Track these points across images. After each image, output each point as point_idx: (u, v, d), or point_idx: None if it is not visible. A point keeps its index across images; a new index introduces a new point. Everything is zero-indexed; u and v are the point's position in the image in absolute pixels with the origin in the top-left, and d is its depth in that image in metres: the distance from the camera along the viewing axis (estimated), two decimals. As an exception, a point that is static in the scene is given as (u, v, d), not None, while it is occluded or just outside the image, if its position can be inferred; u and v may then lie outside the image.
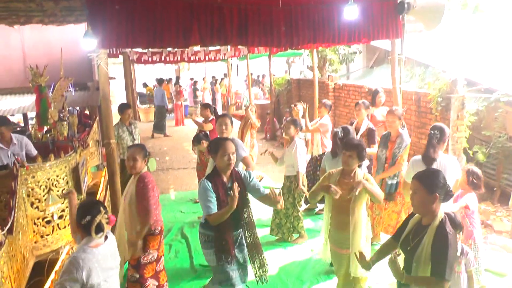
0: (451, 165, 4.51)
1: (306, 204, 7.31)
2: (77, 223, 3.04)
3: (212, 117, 8.10)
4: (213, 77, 23.49)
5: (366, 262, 3.43)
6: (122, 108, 7.67)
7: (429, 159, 4.54)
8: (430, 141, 4.59)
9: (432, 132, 4.62)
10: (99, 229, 2.98)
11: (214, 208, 3.74)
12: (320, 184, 4.22)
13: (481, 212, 6.93)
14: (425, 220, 3.03)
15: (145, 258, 4.35)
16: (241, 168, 5.41)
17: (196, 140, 7.26)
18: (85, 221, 2.95)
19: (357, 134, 6.91)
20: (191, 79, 23.71)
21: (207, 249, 3.97)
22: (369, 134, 6.60)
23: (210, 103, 21.29)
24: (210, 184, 3.81)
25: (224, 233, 3.84)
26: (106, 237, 3.13)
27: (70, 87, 7.12)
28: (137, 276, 4.36)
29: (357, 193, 3.91)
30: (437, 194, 2.93)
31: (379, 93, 7.35)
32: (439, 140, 4.55)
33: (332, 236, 4.26)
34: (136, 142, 7.43)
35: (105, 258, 3.02)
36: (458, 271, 3.74)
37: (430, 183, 2.96)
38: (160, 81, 18.30)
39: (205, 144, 6.93)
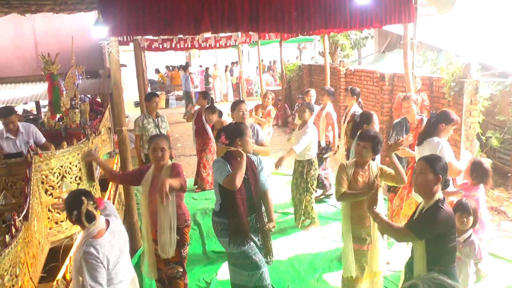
0: (433, 148, 4.43)
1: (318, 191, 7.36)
2: (70, 221, 3.08)
3: (207, 105, 8.03)
4: (232, 62, 23.48)
5: (374, 212, 3.47)
6: (149, 96, 7.30)
7: (420, 137, 4.67)
8: (427, 121, 4.74)
9: (432, 112, 4.70)
10: (90, 218, 3.00)
11: None
12: (360, 191, 3.99)
13: (494, 199, 6.88)
14: (425, 202, 3.16)
15: (184, 252, 4.38)
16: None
17: (211, 110, 7.31)
18: (74, 217, 2.98)
19: (345, 120, 6.91)
20: (200, 66, 23.72)
21: (224, 237, 3.95)
22: (353, 118, 6.58)
23: (222, 90, 21.37)
24: (226, 162, 3.85)
25: (239, 218, 3.83)
26: (108, 222, 3.17)
27: (77, 76, 7.10)
28: (181, 270, 4.39)
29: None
30: (440, 176, 3.09)
31: (416, 78, 7.01)
32: (436, 121, 4.56)
33: (353, 234, 4.08)
34: None
35: (112, 243, 3.08)
36: (458, 256, 3.72)
37: (436, 165, 3.13)
38: (184, 67, 18.38)
39: (215, 117, 6.99)
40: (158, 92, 21.07)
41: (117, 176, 4.50)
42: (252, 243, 3.94)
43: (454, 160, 4.46)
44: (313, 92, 8.07)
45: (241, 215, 3.84)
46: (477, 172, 4.37)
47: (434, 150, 4.36)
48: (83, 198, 2.99)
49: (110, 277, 3.07)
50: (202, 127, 8.01)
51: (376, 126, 5.12)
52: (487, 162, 4.47)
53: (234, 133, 3.92)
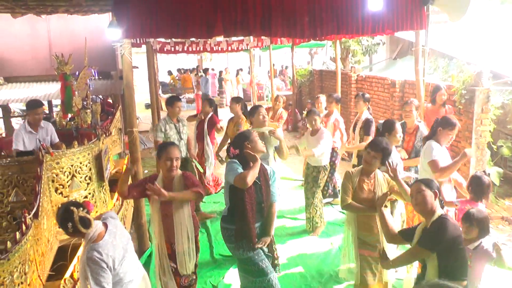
0: (424, 149, 4.79)
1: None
2: (69, 234, 3.09)
3: (211, 113, 7.93)
4: (241, 69, 23.55)
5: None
6: (172, 101, 6.81)
7: (424, 141, 4.94)
8: (431, 127, 4.90)
9: (437, 119, 4.87)
10: (85, 223, 3.01)
11: None
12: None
13: (505, 209, 6.83)
14: (427, 221, 3.29)
15: (197, 259, 4.33)
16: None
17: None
18: (71, 228, 2.99)
19: (355, 126, 6.89)
20: (212, 69, 23.80)
21: (231, 243, 3.96)
22: (365, 125, 6.56)
23: (233, 93, 21.42)
24: (240, 164, 3.88)
25: (247, 222, 3.84)
26: (105, 224, 3.19)
27: (94, 73, 7.18)
28: (195, 277, 4.35)
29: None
30: (436, 192, 3.29)
31: (441, 90, 6.64)
32: (436, 126, 4.73)
33: (362, 241, 4.12)
34: (183, 142, 6.83)
35: (114, 243, 3.12)
36: (468, 264, 3.69)
37: (430, 183, 3.36)
38: (205, 70, 18.49)
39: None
40: (169, 95, 21.17)
41: (125, 195, 4.16)
42: (259, 249, 3.94)
43: (439, 159, 4.56)
44: (323, 98, 8.09)
45: (249, 220, 3.84)
46: (472, 186, 4.29)
47: (427, 150, 4.67)
48: (72, 208, 3.01)
49: (119, 278, 3.10)
50: (203, 133, 7.97)
51: (399, 135, 5.07)
52: (487, 178, 4.31)
53: (240, 140, 4.01)
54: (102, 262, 2.94)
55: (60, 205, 3.22)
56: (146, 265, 5.22)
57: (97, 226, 3.08)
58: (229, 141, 6.81)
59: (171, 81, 24.20)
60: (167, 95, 20.94)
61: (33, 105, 5.85)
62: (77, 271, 3.84)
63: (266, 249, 4.06)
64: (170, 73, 24.61)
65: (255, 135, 4.06)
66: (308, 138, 6.35)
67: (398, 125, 5.07)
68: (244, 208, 3.82)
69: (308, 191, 6.37)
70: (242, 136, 4.07)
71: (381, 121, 5.33)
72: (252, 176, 3.73)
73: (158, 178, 4.08)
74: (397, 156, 4.91)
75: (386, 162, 4.02)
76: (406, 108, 5.69)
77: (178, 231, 4.04)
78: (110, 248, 3.04)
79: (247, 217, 3.83)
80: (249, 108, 6.31)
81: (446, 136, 4.67)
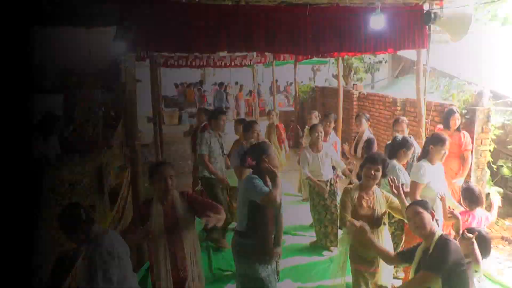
0: (413, 168, 4.87)
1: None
2: (74, 234, 3.09)
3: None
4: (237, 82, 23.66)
5: None
6: (216, 113, 6.43)
7: (418, 160, 4.99)
8: (423, 145, 5.02)
9: (427, 137, 5.04)
10: (90, 219, 3.10)
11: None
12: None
13: (505, 229, 6.81)
14: (427, 242, 3.27)
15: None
16: None
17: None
18: (83, 214, 3.07)
19: (357, 146, 6.90)
20: (215, 84, 23.91)
21: (250, 258, 3.79)
22: (368, 144, 6.58)
23: (235, 108, 21.49)
24: (261, 181, 3.75)
25: (268, 237, 3.81)
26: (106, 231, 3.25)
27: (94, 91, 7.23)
28: None
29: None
30: (433, 212, 3.32)
31: (455, 114, 6.14)
32: (427, 144, 4.83)
33: (359, 256, 4.07)
34: (225, 158, 6.50)
35: (118, 239, 3.22)
36: None
37: (425, 204, 3.38)
38: (220, 84, 18.69)
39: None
40: (171, 109, 21.23)
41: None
42: (268, 265, 3.88)
43: (419, 182, 4.60)
44: (317, 114, 8.15)
45: (269, 234, 3.83)
46: (465, 197, 4.47)
47: (415, 169, 4.74)
48: (76, 209, 3.09)
49: (126, 271, 3.16)
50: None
51: (412, 152, 5.17)
52: (476, 187, 4.56)
53: (257, 151, 3.83)
54: (114, 251, 3.01)
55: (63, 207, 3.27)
56: (143, 281, 5.16)
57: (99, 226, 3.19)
58: None
59: (176, 94, 24.35)
60: (169, 109, 21.08)
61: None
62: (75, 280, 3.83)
63: (273, 264, 4.01)
64: (176, 85, 24.81)
65: (273, 149, 3.93)
66: (311, 155, 6.14)
67: (414, 141, 5.27)
68: (266, 224, 3.78)
69: (319, 206, 6.22)
70: (260, 148, 3.88)
71: (399, 135, 5.36)
72: (279, 195, 3.63)
73: (152, 205, 3.74)
74: (406, 174, 4.93)
75: (389, 179, 4.02)
76: (398, 127, 5.98)
77: (188, 256, 3.78)
78: (117, 240, 3.15)
79: (268, 231, 3.80)
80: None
81: (439, 153, 4.73)
